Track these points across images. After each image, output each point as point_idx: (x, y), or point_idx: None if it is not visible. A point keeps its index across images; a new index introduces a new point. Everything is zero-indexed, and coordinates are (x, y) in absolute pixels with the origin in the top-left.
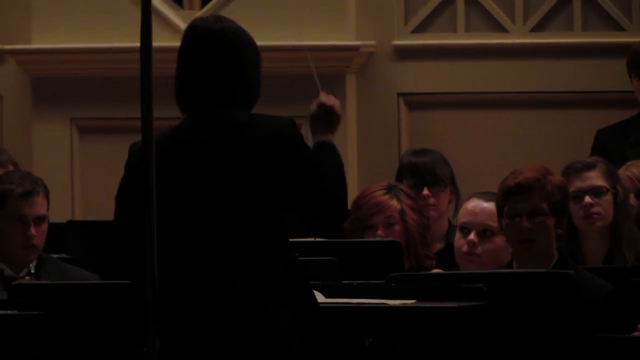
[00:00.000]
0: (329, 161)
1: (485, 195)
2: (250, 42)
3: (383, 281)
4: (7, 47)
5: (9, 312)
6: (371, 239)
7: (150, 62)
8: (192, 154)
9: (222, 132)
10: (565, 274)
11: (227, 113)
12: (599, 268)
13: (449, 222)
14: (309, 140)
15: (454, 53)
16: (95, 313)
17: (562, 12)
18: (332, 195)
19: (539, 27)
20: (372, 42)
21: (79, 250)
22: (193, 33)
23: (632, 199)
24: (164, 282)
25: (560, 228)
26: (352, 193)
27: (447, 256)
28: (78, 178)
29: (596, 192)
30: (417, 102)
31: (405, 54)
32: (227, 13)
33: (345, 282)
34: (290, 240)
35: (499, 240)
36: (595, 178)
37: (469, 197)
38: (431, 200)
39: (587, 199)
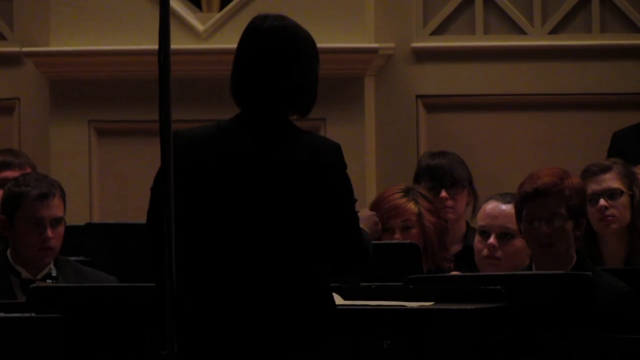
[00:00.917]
0: None
1: (504, 197)
2: (314, 43)
3: (401, 283)
4: (25, 49)
5: (27, 314)
6: (390, 241)
7: (169, 65)
8: (235, 159)
9: (267, 141)
10: (583, 275)
11: (279, 122)
12: (617, 270)
13: (467, 224)
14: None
15: (472, 55)
16: (114, 315)
17: (580, 14)
18: (367, 250)
19: (557, 29)
20: (391, 45)
21: (97, 253)
22: (257, 30)
23: None
24: (194, 282)
25: (579, 230)
26: (370, 195)
27: (465, 258)
28: (96, 180)
29: (611, 194)
30: (435, 104)
31: (424, 56)
32: (246, 15)
33: (364, 284)
34: None
35: (519, 242)
36: (610, 180)
37: (487, 199)
38: (449, 203)
39: (602, 201)
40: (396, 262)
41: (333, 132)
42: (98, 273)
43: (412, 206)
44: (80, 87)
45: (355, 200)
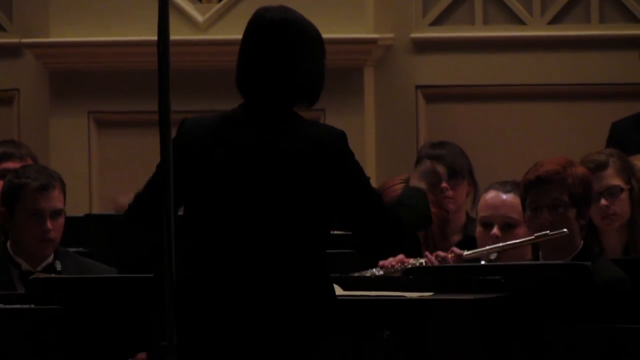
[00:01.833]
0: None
1: (504, 186)
2: (319, 34)
3: (401, 274)
4: (24, 40)
5: (26, 306)
6: None
7: (168, 56)
8: (239, 150)
9: (272, 131)
10: (582, 265)
11: (285, 112)
12: (616, 260)
13: (467, 214)
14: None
15: (471, 45)
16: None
17: (579, 4)
18: (399, 221)
19: (556, 20)
20: (390, 35)
21: (97, 244)
22: (262, 22)
23: None
24: (194, 272)
25: (583, 219)
26: None
27: (465, 248)
28: (96, 171)
29: (611, 192)
30: (435, 95)
31: (423, 46)
32: (245, 6)
33: (363, 274)
34: None
35: (522, 231)
36: (609, 178)
37: (487, 189)
38: (449, 193)
39: (603, 201)
40: (396, 253)
41: (332, 122)
42: (98, 264)
43: None
44: (80, 78)
45: (369, 178)
